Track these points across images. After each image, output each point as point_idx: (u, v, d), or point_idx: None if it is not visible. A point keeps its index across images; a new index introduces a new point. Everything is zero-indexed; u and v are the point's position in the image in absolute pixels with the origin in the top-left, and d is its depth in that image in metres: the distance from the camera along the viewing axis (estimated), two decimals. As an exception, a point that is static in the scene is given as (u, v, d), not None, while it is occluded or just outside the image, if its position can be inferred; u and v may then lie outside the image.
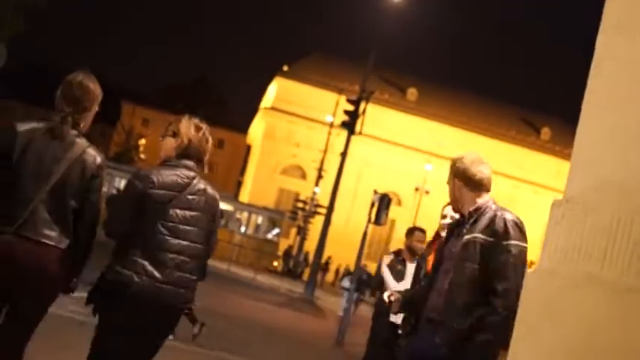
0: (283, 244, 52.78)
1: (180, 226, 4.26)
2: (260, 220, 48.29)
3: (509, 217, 4.29)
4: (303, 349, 14.89)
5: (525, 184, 75.34)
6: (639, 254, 2.98)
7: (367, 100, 34.01)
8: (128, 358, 4.34)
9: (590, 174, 3.17)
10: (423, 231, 8.70)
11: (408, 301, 4.72)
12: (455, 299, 4.17)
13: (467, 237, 4.25)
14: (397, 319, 6.84)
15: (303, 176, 72.01)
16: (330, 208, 35.29)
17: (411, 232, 8.69)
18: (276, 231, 48.94)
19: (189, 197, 4.32)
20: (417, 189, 63.72)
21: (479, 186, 4.44)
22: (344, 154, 34.44)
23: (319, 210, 46.16)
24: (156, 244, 4.22)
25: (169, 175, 4.30)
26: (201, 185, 4.40)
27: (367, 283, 22.90)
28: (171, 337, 6.03)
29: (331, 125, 47.16)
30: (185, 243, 4.28)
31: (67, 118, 4.25)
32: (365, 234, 21.23)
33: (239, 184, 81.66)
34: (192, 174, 4.38)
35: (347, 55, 73.54)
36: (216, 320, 14.61)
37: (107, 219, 4.36)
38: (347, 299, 19.02)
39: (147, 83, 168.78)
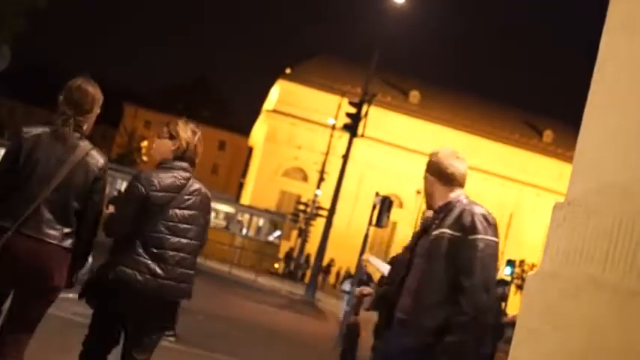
0: (284, 247, 52.74)
1: (180, 225, 4.47)
2: (261, 222, 48.26)
3: (477, 210, 4.05)
4: (303, 351, 14.88)
5: (528, 187, 75.30)
6: (641, 257, 2.98)
7: (369, 103, 34.01)
8: (131, 349, 4.54)
9: (592, 177, 3.17)
10: None
11: (381, 299, 4.56)
12: (423, 298, 4.02)
13: (435, 233, 4.09)
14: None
15: (305, 179, 72.01)
16: (332, 211, 35.28)
17: None
18: (277, 233, 48.89)
19: (186, 197, 4.52)
20: (418, 192, 63.65)
21: (451, 180, 4.23)
22: (346, 157, 34.43)
23: (321, 212, 46.14)
24: (157, 242, 4.41)
25: (168, 178, 4.49)
26: (196, 185, 4.61)
27: (367, 284, 22.89)
28: (172, 338, 6.07)
29: (333, 128, 47.13)
30: (184, 241, 4.49)
31: (68, 121, 4.35)
32: (366, 236, 21.21)
33: (241, 186, 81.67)
34: (187, 175, 4.58)
35: (349, 58, 73.54)
36: (218, 322, 14.61)
37: (109, 220, 4.51)
38: (347, 302, 19.02)
39: (147, 83, 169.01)
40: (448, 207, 4.14)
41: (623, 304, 2.94)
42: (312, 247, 44.70)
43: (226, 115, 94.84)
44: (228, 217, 47.58)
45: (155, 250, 4.41)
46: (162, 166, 4.59)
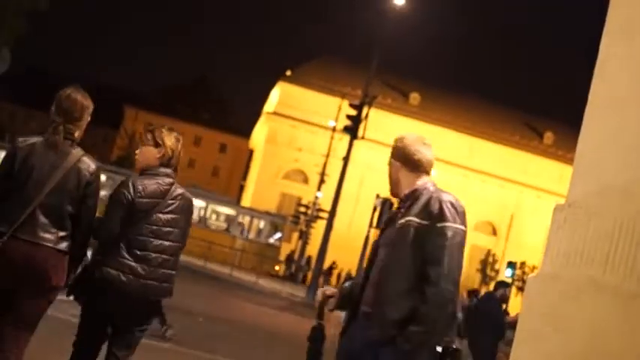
0: (285, 249, 52.71)
1: (163, 229, 4.67)
2: (262, 224, 48.24)
3: (445, 198, 3.88)
4: (304, 353, 14.83)
5: (528, 189, 75.25)
6: (642, 259, 2.97)
7: (370, 105, 33.99)
8: (114, 344, 4.76)
9: (593, 179, 3.17)
10: None
11: (347, 297, 4.23)
12: (387, 288, 3.83)
13: (401, 221, 3.90)
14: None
15: (306, 181, 71.98)
16: (333, 213, 35.25)
17: None
18: (278, 235, 48.87)
19: (170, 202, 4.72)
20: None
21: (417, 167, 4.06)
22: (346, 159, 34.41)
23: (321, 214, 46.11)
24: (140, 245, 4.61)
25: (152, 184, 4.68)
26: (179, 190, 4.80)
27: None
28: (166, 344, 6.15)
29: (334, 130, 47.11)
30: (167, 243, 4.69)
31: (58, 128, 4.52)
32: (367, 238, 21.21)
33: (241, 188, 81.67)
34: (171, 180, 4.77)
35: (349, 60, 73.50)
36: (219, 324, 14.61)
37: (97, 224, 4.65)
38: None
39: (147, 84, 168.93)
40: (414, 195, 3.98)
41: (624, 305, 2.94)
42: (312, 250, 44.66)
43: (227, 117, 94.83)
44: (229, 219, 47.58)
45: (139, 252, 4.60)
46: (147, 172, 4.75)
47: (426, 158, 4.11)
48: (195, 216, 45.07)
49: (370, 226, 20.39)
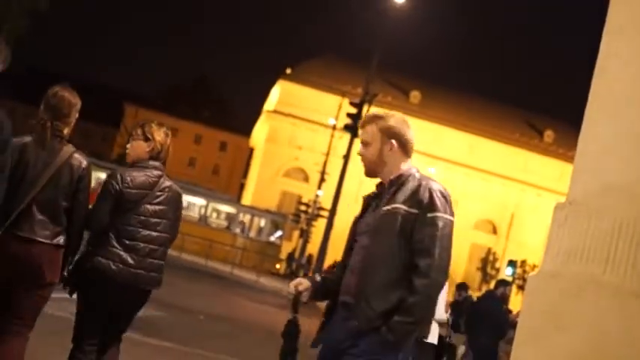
0: (286, 247, 52.73)
1: (151, 219, 4.84)
2: (263, 222, 48.23)
3: (435, 186, 3.68)
4: (304, 351, 14.85)
5: (529, 187, 75.30)
6: (642, 257, 2.98)
7: (370, 103, 33.99)
8: (107, 331, 4.91)
9: (594, 177, 3.17)
10: None
11: (321, 288, 3.98)
12: (373, 277, 3.63)
13: (386, 207, 3.68)
14: None
15: (306, 179, 72.01)
16: (333, 211, 35.27)
17: None
18: (278, 234, 48.87)
19: (158, 194, 4.88)
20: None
21: (406, 149, 3.84)
22: (347, 157, 34.43)
23: (322, 213, 46.16)
24: (129, 235, 4.78)
25: (141, 176, 4.85)
26: (167, 183, 4.96)
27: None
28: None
29: (334, 128, 47.11)
30: (155, 234, 4.85)
31: (45, 125, 4.64)
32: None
33: (242, 186, 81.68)
34: (159, 173, 4.93)
35: (350, 58, 73.52)
36: (219, 322, 14.62)
37: (88, 215, 4.81)
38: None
39: (147, 84, 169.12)
40: (400, 180, 3.77)
41: (625, 304, 2.94)
42: (313, 248, 44.70)
43: (227, 115, 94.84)
44: (230, 217, 47.59)
45: (128, 242, 4.76)
46: (137, 165, 4.93)
47: (412, 141, 3.90)
48: (195, 214, 45.46)
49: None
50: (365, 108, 33.53)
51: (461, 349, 11.94)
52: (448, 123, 74.03)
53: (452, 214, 3.69)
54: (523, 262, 58.12)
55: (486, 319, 11.30)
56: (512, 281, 30.35)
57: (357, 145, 4.15)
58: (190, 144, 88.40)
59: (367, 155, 3.87)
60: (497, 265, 68.49)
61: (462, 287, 15.64)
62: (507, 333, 11.06)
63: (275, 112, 74.29)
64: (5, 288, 4.54)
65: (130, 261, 4.75)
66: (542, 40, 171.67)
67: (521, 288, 50.44)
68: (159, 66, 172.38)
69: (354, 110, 33.87)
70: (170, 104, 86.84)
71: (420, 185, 3.69)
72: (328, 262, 45.83)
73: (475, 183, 73.53)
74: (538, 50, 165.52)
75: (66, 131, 4.72)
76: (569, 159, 52.65)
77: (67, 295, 4.95)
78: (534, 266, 54.77)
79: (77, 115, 4.81)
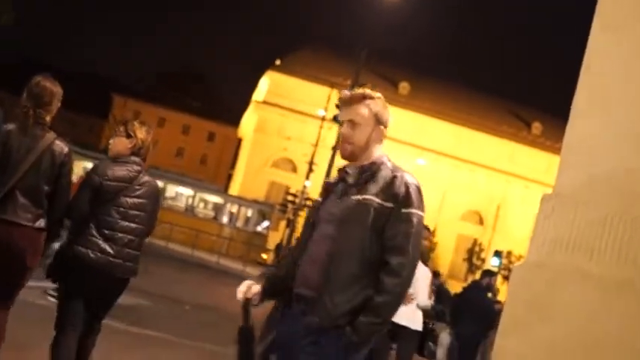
0: (273, 237, 52.72)
1: (130, 211, 5.06)
2: (250, 212, 48.21)
3: (410, 180, 3.47)
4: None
5: (516, 179, 75.45)
6: (627, 248, 3.00)
7: (359, 94, 33.95)
8: (87, 317, 5.10)
9: (580, 169, 3.19)
10: (427, 228, 7.83)
11: (272, 283, 3.69)
12: (337, 270, 3.38)
13: (357, 197, 3.44)
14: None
15: (294, 169, 71.92)
16: (321, 202, 35.18)
17: None
18: (265, 224, 48.87)
19: (137, 187, 5.12)
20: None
21: (384, 135, 3.64)
22: (335, 148, 34.44)
23: (309, 203, 46.14)
24: (108, 225, 5.00)
25: (121, 170, 5.08)
26: (147, 178, 5.20)
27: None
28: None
29: (323, 119, 47.11)
30: (133, 225, 5.08)
31: (28, 113, 4.80)
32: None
33: (229, 176, 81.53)
34: (139, 168, 5.17)
35: (338, 49, 73.38)
36: (206, 312, 14.62)
37: (69, 205, 5.02)
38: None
39: (135, 74, 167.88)
40: (372, 168, 3.53)
41: (609, 294, 2.96)
42: (300, 238, 44.62)
43: (215, 106, 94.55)
44: (217, 207, 47.54)
45: (107, 232, 4.98)
46: (118, 160, 5.15)
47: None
48: (182, 204, 45.37)
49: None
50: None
51: (446, 339, 11.99)
52: (437, 114, 74.05)
53: (424, 209, 3.50)
54: (509, 253, 58.34)
55: (472, 309, 11.34)
56: (498, 272, 30.46)
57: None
58: (178, 134, 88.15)
59: (354, 138, 3.57)
60: (483, 255, 68.69)
61: (434, 275, 15.62)
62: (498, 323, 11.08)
63: (264, 102, 74.13)
64: None
65: (109, 250, 4.96)
66: (529, 31, 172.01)
67: (506, 278, 50.59)
68: (147, 56, 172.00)
69: (342, 101, 33.84)
70: (158, 94, 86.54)
71: (395, 177, 3.48)
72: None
73: (463, 174, 73.62)
74: (526, 42, 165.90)
75: (48, 118, 4.89)
76: (557, 151, 52.71)
77: (51, 284, 5.12)
78: (520, 257, 54.99)
79: (59, 104, 4.97)
